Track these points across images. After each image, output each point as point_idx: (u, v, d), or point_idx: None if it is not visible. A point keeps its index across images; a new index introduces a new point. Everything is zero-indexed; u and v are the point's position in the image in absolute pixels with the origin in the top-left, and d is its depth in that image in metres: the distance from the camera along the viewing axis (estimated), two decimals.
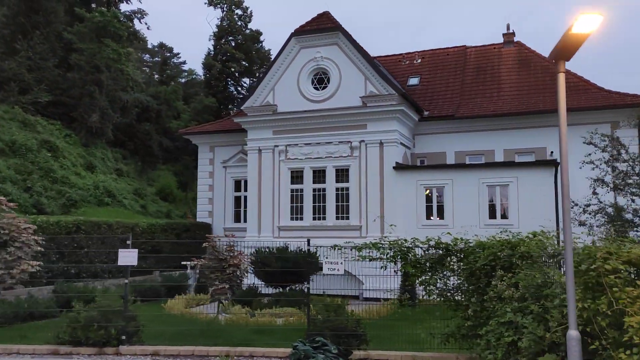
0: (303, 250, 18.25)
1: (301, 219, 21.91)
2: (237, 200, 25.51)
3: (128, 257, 10.04)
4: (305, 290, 9.76)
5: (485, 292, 8.44)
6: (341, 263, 9.59)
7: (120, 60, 37.43)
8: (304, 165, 21.99)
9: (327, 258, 10.22)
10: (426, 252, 9.37)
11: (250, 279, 20.29)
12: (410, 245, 9.42)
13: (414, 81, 24.71)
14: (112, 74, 36.88)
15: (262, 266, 18.48)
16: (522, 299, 7.21)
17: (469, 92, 23.42)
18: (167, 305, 17.83)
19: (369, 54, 21.70)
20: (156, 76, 56.54)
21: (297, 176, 22.19)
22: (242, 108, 22.94)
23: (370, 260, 9.69)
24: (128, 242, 10.28)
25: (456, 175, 20.15)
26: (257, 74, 47.75)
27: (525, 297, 7.18)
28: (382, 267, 9.71)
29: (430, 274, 9.24)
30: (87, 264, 19.22)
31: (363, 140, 21.17)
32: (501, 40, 25.52)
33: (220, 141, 25.90)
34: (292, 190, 22.21)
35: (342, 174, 21.56)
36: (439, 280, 9.25)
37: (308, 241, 11.04)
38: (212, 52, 47.00)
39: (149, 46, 57.55)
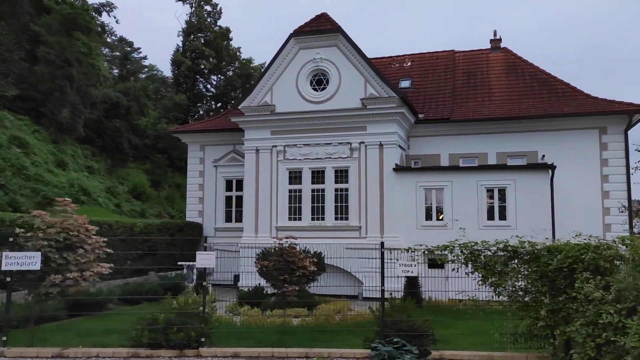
0: (308, 250, 18.43)
1: (299, 219, 21.95)
2: (229, 200, 25.30)
3: (206, 259, 9.93)
4: (381, 290, 9.80)
5: (559, 294, 8.76)
6: (414, 265, 9.74)
7: (91, 54, 36.35)
8: (303, 166, 22.03)
9: (397, 260, 10.31)
10: (494, 255, 9.65)
11: (252, 279, 20.26)
12: (480, 248, 9.68)
13: (405, 84, 25.12)
14: (83, 68, 35.75)
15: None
16: (616, 300, 7.54)
17: (461, 96, 24.02)
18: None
19: (367, 56, 21.83)
20: (115, 71, 55.03)
21: (295, 176, 22.21)
22: (239, 107, 22.75)
23: (445, 262, 9.86)
24: (205, 244, 10.11)
25: (455, 178, 20.65)
26: (226, 72, 47.31)
27: (619, 299, 7.51)
28: (454, 269, 9.93)
29: (498, 275, 9.52)
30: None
31: (363, 142, 21.40)
32: (479, 45, 26.28)
33: (211, 140, 25.59)
34: (290, 191, 22.22)
35: (341, 175, 21.72)
36: (508, 282, 9.54)
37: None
38: (181, 49, 46.19)
39: (109, 40, 55.92)
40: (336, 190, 21.72)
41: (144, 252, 21.65)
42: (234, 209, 25.13)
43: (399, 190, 21.02)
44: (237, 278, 23.38)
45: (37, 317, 10.57)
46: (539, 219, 19.42)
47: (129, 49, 58.25)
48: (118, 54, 57.79)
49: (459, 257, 9.83)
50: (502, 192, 20.16)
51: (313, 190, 21.97)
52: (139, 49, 58.92)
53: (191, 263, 22.85)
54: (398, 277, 19.07)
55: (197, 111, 46.94)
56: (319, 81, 22.37)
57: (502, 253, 9.71)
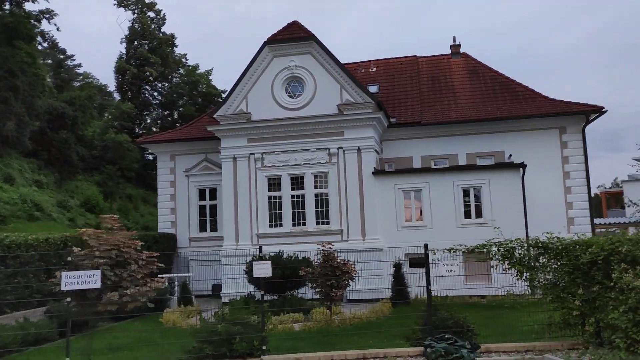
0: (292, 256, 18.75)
1: (280, 225, 22.20)
2: (202, 209, 25.13)
3: (263, 269, 10.08)
4: (427, 290, 10.28)
5: (592, 285, 9.54)
6: (457, 264, 10.28)
7: (35, 63, 34.99)
8: (282, 173, 22.28)
9: (435, 260, 10.80)
10: (527, 252, 10.34)
11: (236, 287, 20.35)
12: (515, 245, 10.36)
13: (373, 89, 25.81)
14: (28, 78, 34.34)
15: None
16: None
17: (428, 100, 24.98)
18: (165, 319, 17.48)
19: (341, 63, 22.35)
20: (49, 79, 52.92)
21: (274, 183, 22.43)
22: (214, 116, 22.69)
23: (482, 260, 10.47)
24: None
25: (432, 179, 21.51)
26: (172, 79, 46.59)
27: None
28: (492, 266, 10.55)
29: (533, 270, 10.23)
30: None
31: (341, 147, 21.91)
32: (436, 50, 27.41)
33: (182, 150, 25.36)
34: (270, 198, 22.41)
35: (320, 180, 22.14)
36: (540, 275, 10.26)
37: None
38: (125, 56, 45.09)
39: (39, 47, 53.70)
40: (316, 195, 22.11)
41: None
42: (208, 218, 25.01)
43: (378, 193, 21.65)
44: (216, 287, 23.30)
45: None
46: (513, 215, 20.58)
47: (62, 56, 56.19)
48: (50, 61, 55.62)
49: (497, 255, 10.48)
50: (477, 191, 21.16)
51: (293, 197, 22.24)
52: (72, 56, 56.92)
53: (172, 275, 22.69)
54: (388, 275, 19.87)
55: (144, 119, 45.95)
56: (295, 88, 22.69)
57: (533, 250, 10.42)
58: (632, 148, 78.63)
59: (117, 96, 46.12)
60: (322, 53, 22.29)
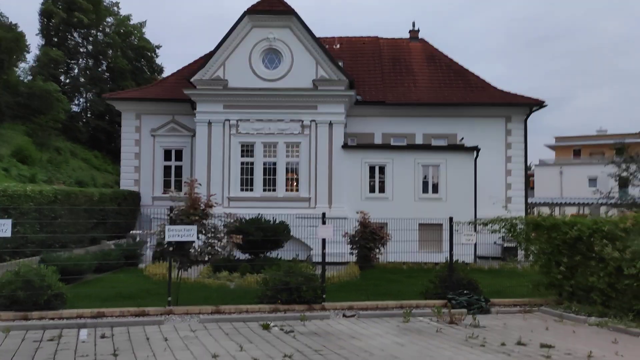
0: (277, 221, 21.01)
1: (252, 190, 24.17)
2: (167, 169, 26.42)
3: (326, 231, 12.28)
4: (448, 257, 12.97)
5: (575, 255, 12.72)
6: (474, 235, 13.01)
7: None
8: (255, 140, 24.17)
9: (457, 230, 13.40)
10: (526, 227, 13.33)
11: None
12: (517, 222, 13.31)
13: None
14: None
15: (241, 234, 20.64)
16: (631, 259, 11.54)
17: (389, 81, 27.63)
18: (148, 271, 19.00)
19: (319, 40, 24.37)
20: None
21: (248, 150, 24.27)
22: (191, 80, 24.01)
23: (492, 232, 13.33)
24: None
25: (396, 156, 24.33)
26: (102, 28, 45.94)
27: (634, 258, 11.52)
28: (500, 237, 13.40)
29: (528, 242, 13.27)
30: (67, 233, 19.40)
31: (314, 120, 24.11)
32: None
33: (149, 109, 26.39)
34: (242, 163, 24.25)
35: (292, 150, 24.27)
36: (534, 247, 13.32)
37: None
38: None
39: None
40: (287, 164, 24.25)
41: (99, 221, 22.39)
42: (173, 178, 26.39)
43: (346, 165, 24.15)
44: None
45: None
46: (465, 193, 23.92)
47: None
48: None
49: (501, 229, 13.39)
50: (435, 170, 24.23)
51: (265, 164, 24.24)
52: None
53: (141, 232, 24.10)
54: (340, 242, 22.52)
55: (72, 68, 45.11)
56: (272, 60, 24.46)
57: (529, 226, 13.43)
58: (536, 132, 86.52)
59: (40, 41, 44.82)
60: (301, 28, 24.17)
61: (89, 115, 46.62)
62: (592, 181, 52.65)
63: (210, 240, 12.02)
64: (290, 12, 24.17)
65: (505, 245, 24.21)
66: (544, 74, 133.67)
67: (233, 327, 10.08)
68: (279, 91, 24.06)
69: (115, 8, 47.23)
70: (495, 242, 23.92)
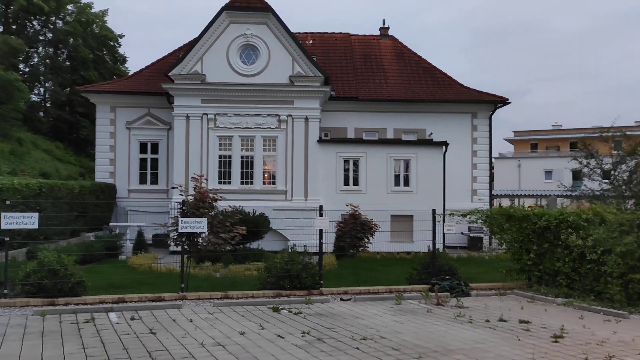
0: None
1: (229, 183, 25.22)
2: (143, 162, 27.18)
3: (323, 222, 13.52)
4: (431, 247, 14.41)
5: (543, 243, 14.38)
6: (455, 225, 14.46)
7: None
8: (233, 134, 25.22)
9: (439, 221, 14.81)
10: (499, 218, 14.91)
11: None
12: (490, 214, 14.87)
13: None
14: None
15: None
16: (593, 246, 13.23)
17: (362, 76, 29.01)
18: (132, 262, 19.96)
19: (295, 36, 25.52)
20: None
21: (225, 143, 25.30)
22: (169, 74, 24.81)
23: (470, 223, 14.86)
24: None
25: (369, 150, 25.78)
26: (63, 17, 45.79)
27: (595, 245, 13.20)
28: (480, 228, 14.92)
29: (502, 231, 14.87)
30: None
31: (290, 115, 25.31)
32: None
33: (124, 102, 27.06)
34: (220, 157, 25.28)
35: (269, 144, 25.43)
36: (504, 236, 14.93)
37: None
38: None
39: None
40: (264, 157, 25.39)
41: (79, 214, 23.09)
42: (148, 171, 27.19)
43: (321, 159, 25.46)
44: (155, 237, 25.61)
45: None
46: (435, 186, 25.55)
47: None
48: None
49: (479, 219, 14.94)
50: (406, 163, 25.78)
51: (243, 157, 25.33)
52: None
53: (120, 224, 24.89)
54: (332, 232, 23.84)
55: (32, 56, 44.86)
56: (249, 55, 25.50)
57: (502, 217, 15.02)
58: (493, 126, 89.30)
59: None
60: (278, 25, 25.27)
61: (48, 105, 46.48)
62: (548, 173, 55.59)
63: (216, 230, 13.10)
64: (267, 8, 25.22)
65: (472, 235, 26.01)
66: (499, 69, 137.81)
67: (246, 310, 11.28)
68: (256, 86, 25.12)
69: None
70: (462, 233, 25.66)
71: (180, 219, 12.55)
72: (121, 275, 16.95)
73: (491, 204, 28.16)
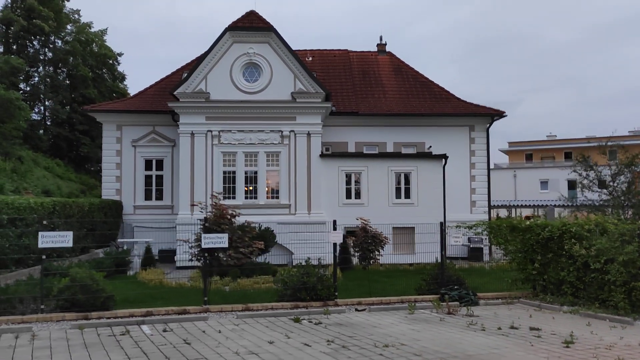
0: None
1: (234, 198, 25.65)
2: (148, 178, 27.63)
3: (337, 236, 14.04)
4: (439, 258, 14.92)
5: (547, 253, 14.93)
6: (461, 236, 15.00)
7: None
8: (237, 150, 25.71)
9: (448, 234, 15.33)
10: (504, 229, 15.45)
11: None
12: (494, 225, 15.42)
13: None
14: None
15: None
16: (596, 256, 13.78)
17: (361, 92, 29.65)
18: (142, 277, 20.38)
19: (297, 54, 26.14)
20: None
21: (230, 159, 25.79)
22: (174, 93, 25.33)
23: (476, 234, 15.40)
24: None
25: (371, 163, 26.34)
26: (63, 37, 46.25)
27: (598, 255, 13.75)
28: (480, 239, 15.46)
29: (507, 242, 15.40)
30: None
31: (293, 131, 25.85)
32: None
33: (130, 120, 27.55)
34: (225, 172, 25.75)
35: (272, 159, 25.94)
36: (509, 246, 15.47)
37: None
38: (9, 5, 43.95)
39: None
40: (268, 172, 25.87)
41: (89, 231, 23.48)
42: (154, 187, 27.64)
43: (323, 173, 25.98)
44: (162, 252, 25.99)
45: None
46: (435, 198, 26.11)
47: None
48: None
49: (483, 230, 15.49)
50: (407, 176, 26.34)
51: (247, 172, 25.82)
52: None
53: (129, 240, 25.26)
54: (332, 245, 24.29)
55: (32, 75, 45.24)
56: (252, 73, 26.07)
57: (506, 228, 15.57)
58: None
59: None
60: (280, 44, 25.88)
61: (48, 123, 46.82)
62: (544, 183, 56.41)
63: (236, 245, 13.59)
64: (269, 28, 25.84)
65: (472, 246, 26.55)
66: (492, 79, 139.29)
67: (268, 321, 11.75)
68: (259, 103, 25.67)
69: (76, 15, 47.58)
70: (462, 244, 26.22)
71: (203, 235, 13.03)
72: (133, 290, 17.32)
73: (490, 215, 28.73)
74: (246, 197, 25.78)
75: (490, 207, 29.22)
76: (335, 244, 14.49)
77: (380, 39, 32.15)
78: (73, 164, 46.22)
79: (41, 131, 45.85)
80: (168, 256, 25.52)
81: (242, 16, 26.24)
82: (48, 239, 11.63)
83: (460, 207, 27.75)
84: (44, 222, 14.39)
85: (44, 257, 12.14)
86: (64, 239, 11.79)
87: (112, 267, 20.77)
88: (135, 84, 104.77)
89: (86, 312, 11.55)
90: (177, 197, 26.19)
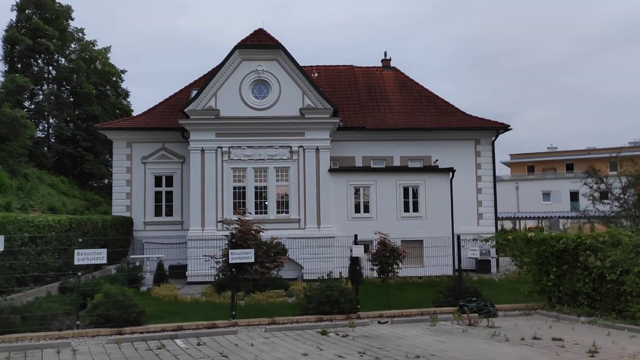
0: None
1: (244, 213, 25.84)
2: (158, 195, 27.89)
3: (359, 250, 14.32)
4: (458, 267, 15.19)
5: (562, 265, 15.22)
6: (478, 250, 15.29)
7: None
8: (247, 166, 26.01)
9: (464, 246, 15.60)
10: (519, 242, 15.75)
11: (203, 268, 23.75)
12: (510, 238, 15.72)
13: None
14: None
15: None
16: (611, 267, 14.06)
17: (367, 107, 30.04)
18: (154, 292, 20.58)
19: (305, 71, 26.53)
20: None
21: (239, 175, 26.08)
22: (184, 110, 25.66)
23: (492, 247, 15.68)
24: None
25: (379, 178, 26.65)
26: (67, 55, 46.67)
27: (613, 266, 14.04)
28: (488, 251, 15.74)
29: (522, 254, 15.69)
30: None
31: (302, 146, 26.17)
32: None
33: (139, 138, 27.84)
34: (235, 188, 26.03)
35: (282, 174, 26.23)
36: (525, 258, 15.75)
37: None
38: (14, 25, 44.35)
39: None
40: (278, 187, 26.16)
41: (102, 247, 23.63)
42: (163, 203, 27.88)
43: (332, 187, 26.28)
44: (172, 268, 26.20)
45: None
46: (442, 211, 26.41)
47: None
48: None
49: (497, 242, 15.80)
50: (415, 190, 26.65)
51: (256, 188, 26.09)
52: None
53: (140, 256, 25.46)
54: (344, 258, 24.54)
55: (37, 93, 45.57)
56: (261, 90, 26.43)
57: (521, 241, 15.87)
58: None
59: (2, 67, 45.16)
60: (288, 61, 26.27)
61: (52, 140, 47.10)
62: (546, 195, 56.87)
63: (261, 260, 13.86)
64: (277, 45, 26.25)
65: (480, 258, 26.80)
66: (489, 91, 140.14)
67: (296, 334, 11.99)
68: (268, 119, 26.01)
69: (81, 34, 48.04)
70: (470, 256, 26.49)
71: (230, 251, 13.28)
72: (149, 306, 17.55)
73: (496, 227, 29.03)
74: (256, 212, 26.00)
75: (497, 219, 29.53)
76: (357, 258, 14.74)
77: (385, 54, 32.64)
78: (77, 180, 46.44)
79: (45, 148, 46.10)
80: (178, 272, 25.71)
81: (251, 34, 26.66)
82: (84, 256, 11.87)
83: (467, 219, 28.01)
84: (79, 240, 14.54)
85: (79, 273, 12.35)
86: (99, 255, 12.05)
87: (126, 283, 21.01)
88: (135, 100, 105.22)
89: (120, 327, 11.78)
90: (187, 213, 26.45)
